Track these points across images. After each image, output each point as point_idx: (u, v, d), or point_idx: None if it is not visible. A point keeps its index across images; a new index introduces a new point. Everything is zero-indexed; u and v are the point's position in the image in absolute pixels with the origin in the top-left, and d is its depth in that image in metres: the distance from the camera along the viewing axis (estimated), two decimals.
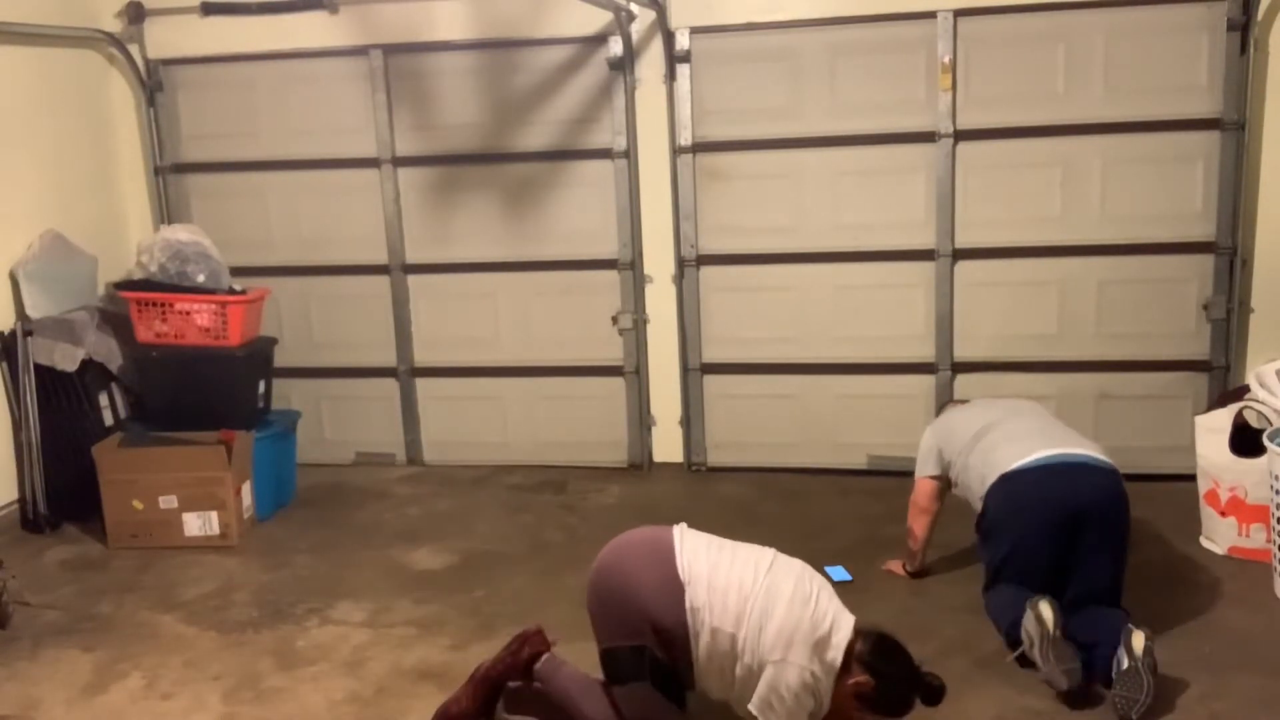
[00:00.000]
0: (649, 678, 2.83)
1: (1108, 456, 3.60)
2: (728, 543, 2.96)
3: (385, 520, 5.01)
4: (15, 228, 5.07)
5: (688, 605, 2.79)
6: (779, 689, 2.68)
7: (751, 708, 2.72)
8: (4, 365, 4.94)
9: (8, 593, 4.05)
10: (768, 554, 2.91)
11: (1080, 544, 3.42)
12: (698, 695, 2.96)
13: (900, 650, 2.81)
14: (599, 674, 3.00)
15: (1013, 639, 3.39)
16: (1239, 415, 4.26)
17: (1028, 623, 3.27)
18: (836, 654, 2.73)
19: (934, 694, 2.79)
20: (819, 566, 4.06)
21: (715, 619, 2.77)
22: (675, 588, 2.81)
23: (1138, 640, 3.14)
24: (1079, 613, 3.46)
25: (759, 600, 2.76)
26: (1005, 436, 3.70)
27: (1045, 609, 3.22)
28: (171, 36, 5.55)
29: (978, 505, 3.69)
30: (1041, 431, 3.72)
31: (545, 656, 3.09)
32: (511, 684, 3.18)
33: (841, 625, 2.77)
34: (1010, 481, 3.55)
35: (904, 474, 4.45)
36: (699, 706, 3.00)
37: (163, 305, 4.93)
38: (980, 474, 3.67)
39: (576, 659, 3.13)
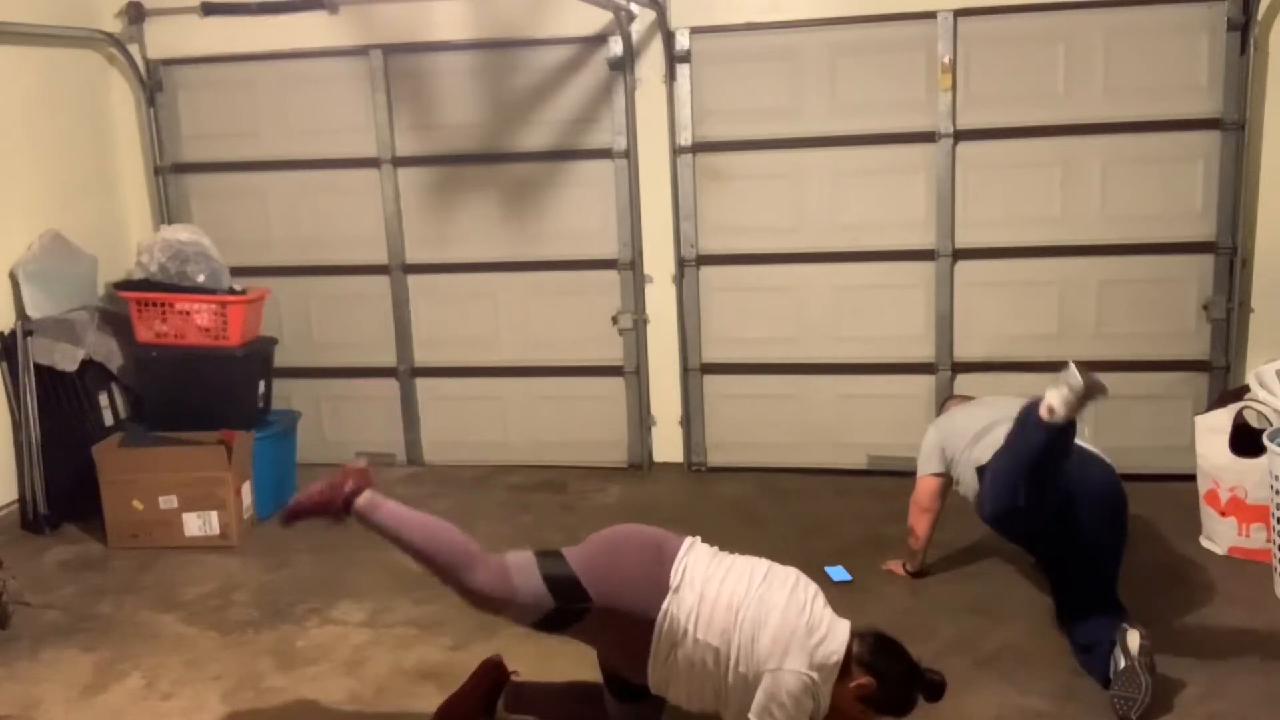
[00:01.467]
0: (543, 566, 2.81)
1: (1105, 456, 3.59)
2: (727, 556, 2.94)
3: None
4: (15, 228, 5.07)
5: (663, 608, 2.76)
6: (778, 696, 2.67)
7: (752, 716, 2.72)
8: (4, 365, 4.94)
9: (8, 593, 4.05)
10: (762, 565, 2.90)
11: (1077, 530, 3.40)
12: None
13: (898, 648, 2.81)
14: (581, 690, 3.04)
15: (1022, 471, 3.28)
16: (1239, 415, 4.26)
17: (1068, 378, 3.12)
18: (833, 658, 2.72)
19: (935, 689, 2.80)
20: (819, 566, 4.12)
21: (699, 632, 2.75)
22: (658, 588, 2.79)
23: (1133, 639, 3.13)
24: (1077, 612, 3.46)
25: (750, 612, 2.74)
26: (1005, 433, 3.69)
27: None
28: (171, 36, 5.56)
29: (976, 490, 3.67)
30: None
31: (365, 492, 2.97)
32: (511, 683, 3.19)
33: (837, 631, 2.77)
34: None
35: (904, 474, 4.45)
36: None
37: (163, 305, 4.93)
38: (978, 461, 3.65)
39: (573, 659, 3.12)
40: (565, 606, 2.79)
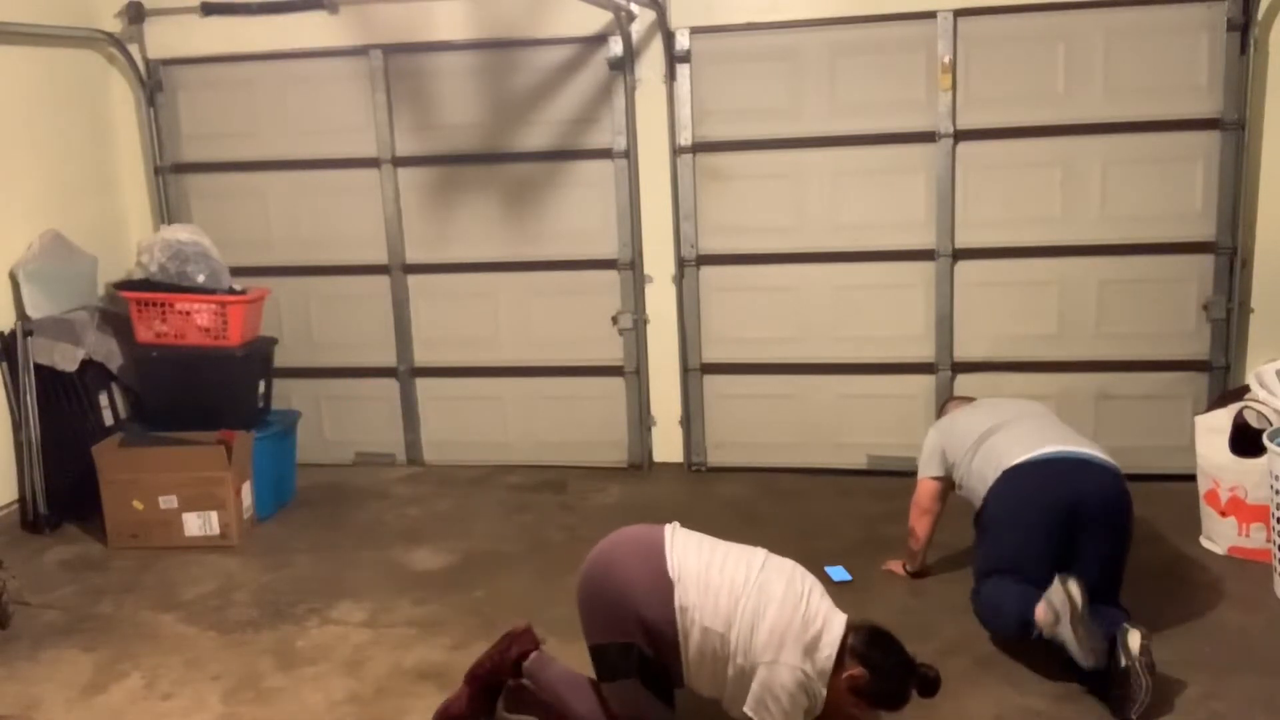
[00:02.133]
0: (637, 674, 2.84)
1: (1111, 459, 3.60)
2: (720, 543, 2.96)
3: (385, 520, 5.01)
4: (15, 228, 5.07)
5: (676, 604, 2.79)
6: (773, 689, 2.68)
7: (746, 709, 2.72)
8: (4, 365, 4.94)
9: (8, 593, 4.05)
10: (759, 554, 2.91)
11: (1080, 540, 3.41)
12: (689, 694, 2.95)
13: (892, 641, 2.81)
14: (589, 671, 3.00)
15: (1023, 623, 3.32)
16: (1239, 415, 4.26)
17: (1054, 597, 3.18)
18: (829, 652, 2.73)
19: (929, 685, 2.79)
20: (819, 566, 4.12)
21: (706, 618, 2.77)
22: (664, 585, 2.82)
23: (1134, 639, 3.13)
24: None
25: (750, 600, 2.76)
26: (1008, 438, 3.70)
27: (1074, 586, 3.15)
28: (171, 36, 5.55)
29: (979, 505, 3.69)
30: (1044, 431, 3.72)
31: (534, 654, 3.10)
32: (511, 682, 3.19)
33: (833, 624, 2.77)
34: (1012, 475, 3.55)
35: (904, 474, 4.45)
36: (691, 706, 3.00)
37: (163, 305, 4.93)
38: (982, 474, 3.67)
39: (575, 659, 3.12)
40: (636, 667, 2.83)
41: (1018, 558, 3.47)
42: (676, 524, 3.01)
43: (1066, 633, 3.17)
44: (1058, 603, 3.19)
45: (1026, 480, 3.52)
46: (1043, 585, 3.27)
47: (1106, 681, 3.19)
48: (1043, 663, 3.46)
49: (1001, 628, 3.50)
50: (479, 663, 3.13)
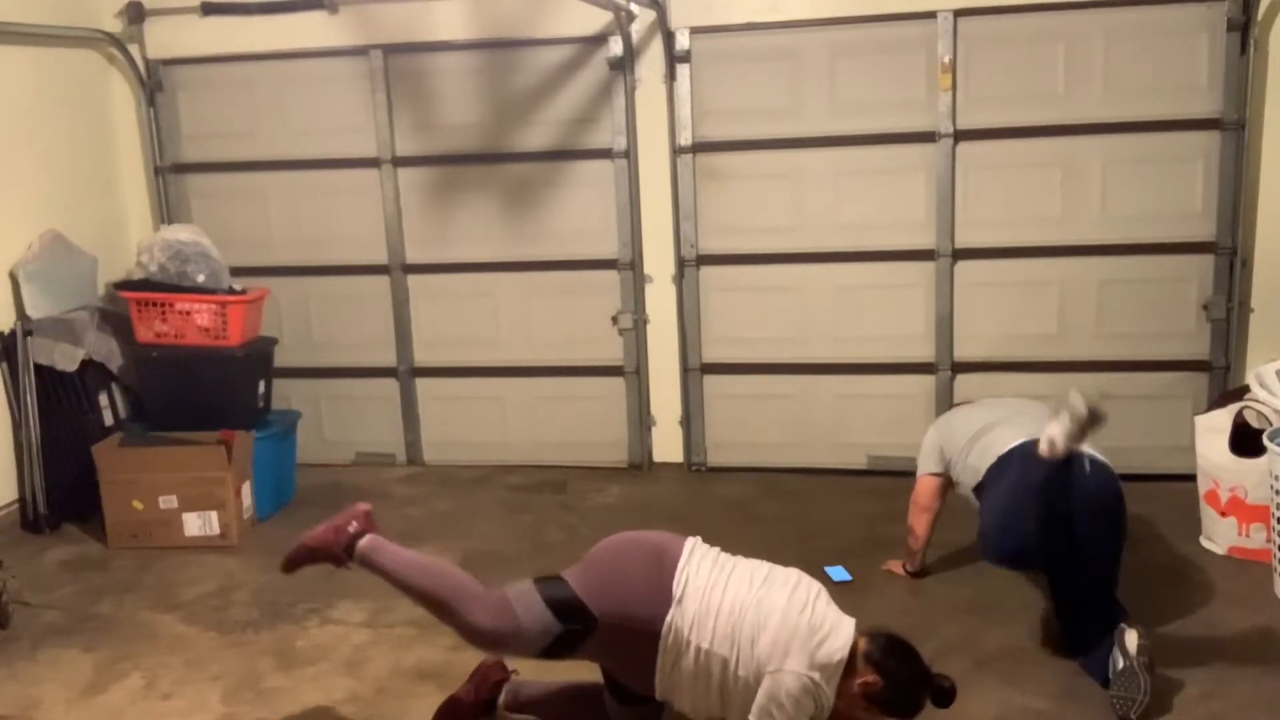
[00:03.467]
0: (553, 611, 2.80)
1: (1103, 457, 3.59)
2: (729, 560, 2.92)
3: (385, 520, 4.92)
4: (15, 228, 5.07)
5: (668, 620, 2.75)
6: (778, 697, 2.66)
7: (752, 718, 2.71)
8: (4, 365, 4.94)
9: (8, 593, 4.05)
10: (763, 567, 2.89)
11: (1076, 539, 3.40)
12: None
13: (910, 650, 2.79)
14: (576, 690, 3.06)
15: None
16: (1239, 415, 4.26)
17: (1072, 404, 3.15)
18: (836, 657, 2.71)
19: (944, 695, 2.77)
20: (819, 566, 4.12)
21: (705, 641, 2.74)
22: (662, 600, 2.78)
23: (1131, 639, 3.13)
24: (1076, 612, 3.46)
25: (750, 614, 2.74)
26: (1004, 433, 3.70)
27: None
28: (171, 36, 5.55)
29: (977, 501, 3.68)
30: (1040, 427, 3.71)
31: (506, 686, 3.14)
32: (510, 682, 3.19)
33: (841, 630, 2.76)
34: (1006, 459, 3.53)
35: (904, 474, 4.45)
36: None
37: (163, 305, 4.93)
38: (975, 468, 3.66)
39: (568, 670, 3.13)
40: (571, 629, 2.79)
41: (1012, 515, 3.42)
42: (698, 540, 2.98)
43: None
44: (1073, 406, 3.14)
45: (1019, 463, 3.48)
46: (1034, 542, 3.27)
47: (1106, 681, 3.19)
48: (1043, 663, 3.46)
49: (997, 547, 3.46)
50: (455, 701, 3.17)
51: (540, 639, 2.81)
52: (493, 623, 2.82)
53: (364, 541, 2.95)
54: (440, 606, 2.88)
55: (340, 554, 2.96)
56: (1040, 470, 3.24)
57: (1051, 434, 3.18)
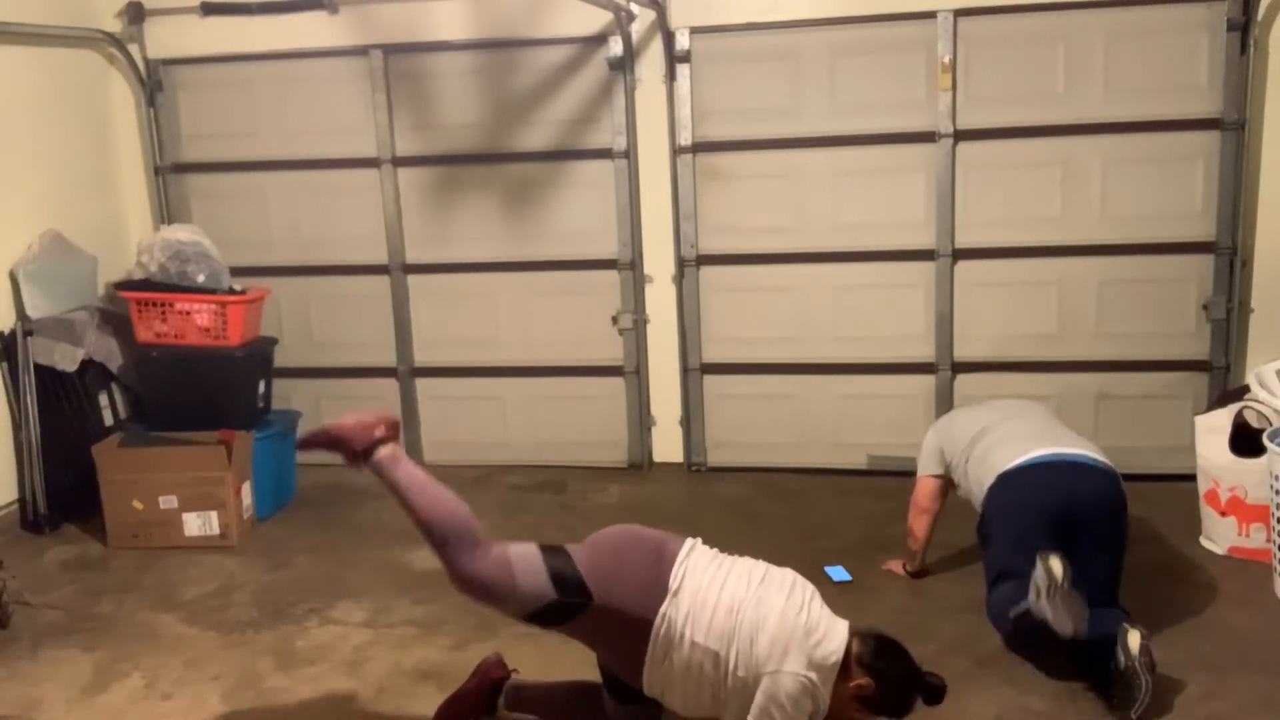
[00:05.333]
0: (549, 559, 2.81)
1: (1107, 459, 3.60)
2: (727, 560, 2.93)
3: (385, 520, 5.00)
4: (15, 228, 5.07)
5: (661, 611, 2.76)
6: (778, 698, 2.67)
7: (751, 719, 2.72)
8: (4, 365, 4.94)
9: (8, 593, 4.05)
10: (760, 567, 2.90)
11: (1078, 543, 3.41)
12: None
13: (900, 651, 2.81)
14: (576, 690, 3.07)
15: (1017, 614, 3.29)
16: (1239, 415, 4.26)
17: (1037, 575, 3.16)
18: (832, 659, 2.72)
19: (935, 693, 2.79)
20: (819, 566, 4.12)
21: (698, 636, 2.74)
22: (657, 591, 2.79)
23: (1133, 639, 3.13)
24: None
25: (749, 613, 2.74)
26: (1002, 438, 3.70)
27: (1055, 561, 3.14)
28: (171, 36, 5.55)
29: (979, 507, 3.69)
30: (1040, 433, 3.72)
31: (507, 685, 3.14)
32: (510, 683, 3.19)
33: (835, 632, 2.76)
34: (1007, 481, 3.55)
35: (904, 474, 4.46)
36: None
37: (163, 305, 4.93)
38: (978, 478, 3.67)
39: (573, 659, 3.12)
40: (565, 600, 2.79)
41: (1019, 564, 3.45)
42: (699, 540, 2.98)
43: (1044, 605, 3.14)
44: (1040, 580, 3.15)
45: (1020, 487, 3.51)
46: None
47: (1107, 681, 3.19)
48: (1043, 663, 3.46)
49: (1008, 631, 3.49)
50: (452, 696, 3.17)
51: (533, 602, 2.80)
52: (488, 573, 2.80)
53: (384, 449, 2.89)
54: (439, 539, 2.85)
55: (358, 451, 2.88)
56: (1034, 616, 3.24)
57: (1032, 594, 3.18)
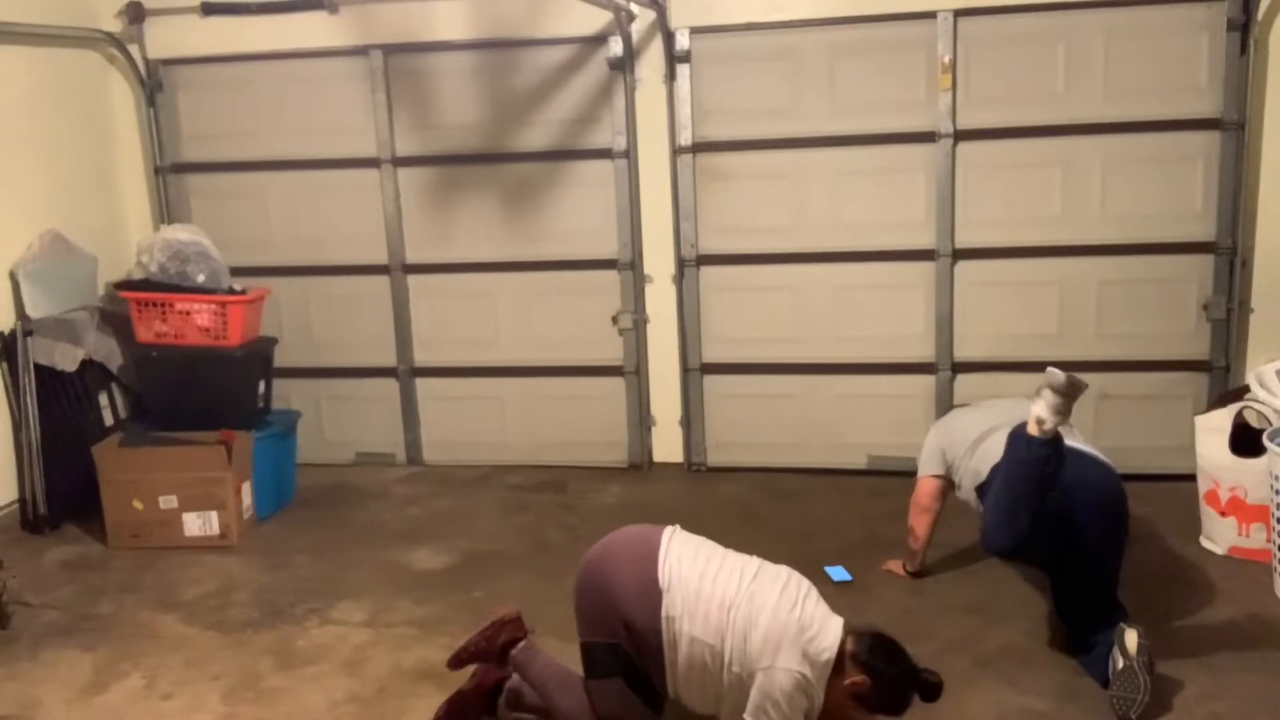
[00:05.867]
0: (621, 674, 2.85)
1: (1106, 458, 3.59)
2: (717, 551, 2.95)
3: (385, 520, 5.01)
4: (15, 228, 5.07)
5: (663, 613, 2.78)
6: (772, 694, 2.67)
7: (746, 716, 2.72)
8: (4, 365, 4.94)
9: (8, 593, 4.05)
10: (753, 563, 2.91)
11: (1077, 530, 3.39)
12: (676, 706, 2.95)
13: (896, 648, 2.81)
14: (579, 667, 3.01)
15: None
16: (1239, 415, 4.26)
17: (1122, 640, 3.19)
18: (825, 655, 2.72)
19: (931, 690, 2.79)
20: (819, 566, 4.12)
21: (695, 630, 2.76)
22: (653, 593, 2.81)
23: (1131, 639, 3.13)
24: (1076, 612, 3.46)
25: (742, 609, 2.75)
26: (1003, 439, 3.69)
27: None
28: (171, 36, 5.55)
29: (977, 507, 3.68)
30: None
31: (522, 644, 3.13)
32: (510, 683, 3.19)
33: (829, 628, 2.77)
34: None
35: (904, 474, 4.46)
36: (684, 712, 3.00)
37: (163, 305, 4.93)
38: (978, 471, 3.66)
39: (574, 659, 3.12)
40: (620, 667, 2.84)
41: (1008, 501, 3.38)
42: (677, 527, 3.00)
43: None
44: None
45: (1008, 445, 3.44)
46: (1032, 525, 3.25)
47: (1106, 681, 3.19)
48: (1043, 663, 3.46)
49: (994, 535, 3.42)
50: (464, 646, 3.17)
51: (623, 699, 2.86)
52: None
53: (517, 650, 3.14)
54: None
55: (494, 659, 3.16)
56: (1032, 453, 3.21)
57: (1037, 412, 3.18)
